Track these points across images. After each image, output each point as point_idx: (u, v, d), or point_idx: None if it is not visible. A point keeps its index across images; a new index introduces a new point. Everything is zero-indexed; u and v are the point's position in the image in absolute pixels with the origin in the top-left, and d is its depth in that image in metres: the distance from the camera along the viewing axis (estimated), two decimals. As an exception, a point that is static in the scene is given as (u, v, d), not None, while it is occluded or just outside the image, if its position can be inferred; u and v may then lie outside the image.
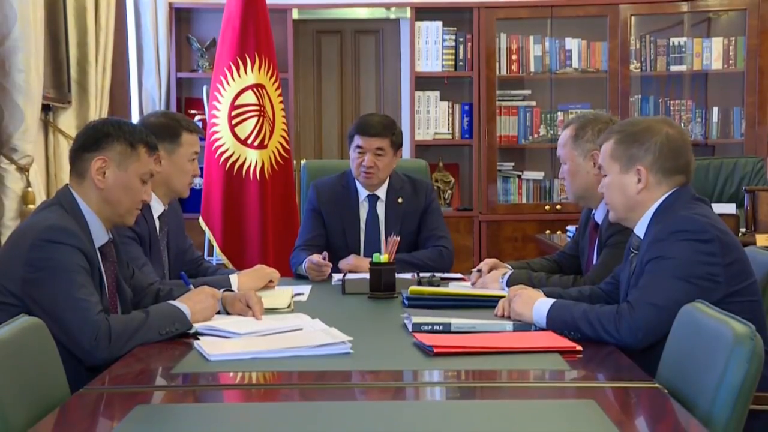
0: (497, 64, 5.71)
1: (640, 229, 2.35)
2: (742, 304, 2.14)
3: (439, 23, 5.71)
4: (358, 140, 3.44)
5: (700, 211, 2.23)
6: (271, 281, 2.98)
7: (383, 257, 2.86)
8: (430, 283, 2.85)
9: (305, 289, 2.99)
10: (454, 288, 2.89)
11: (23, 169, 3.31)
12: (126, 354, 2.10)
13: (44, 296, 2.11)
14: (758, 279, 2.29)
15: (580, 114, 3.13)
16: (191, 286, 2.58)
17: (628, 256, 2.42)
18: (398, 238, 2.94)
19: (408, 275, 3.02)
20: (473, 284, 2.93)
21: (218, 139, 4.48)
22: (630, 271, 2.35)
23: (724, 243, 2.17)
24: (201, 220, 4.51)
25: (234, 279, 2.89)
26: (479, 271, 2.97)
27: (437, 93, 5.77)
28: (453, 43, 5.73)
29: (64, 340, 2.04)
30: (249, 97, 4.50)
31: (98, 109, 4.07)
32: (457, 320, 2.24)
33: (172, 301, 2.31)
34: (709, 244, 2.15)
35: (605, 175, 2.40)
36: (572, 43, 5.75)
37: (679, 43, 5.70)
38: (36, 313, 1.99)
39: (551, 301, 2.30)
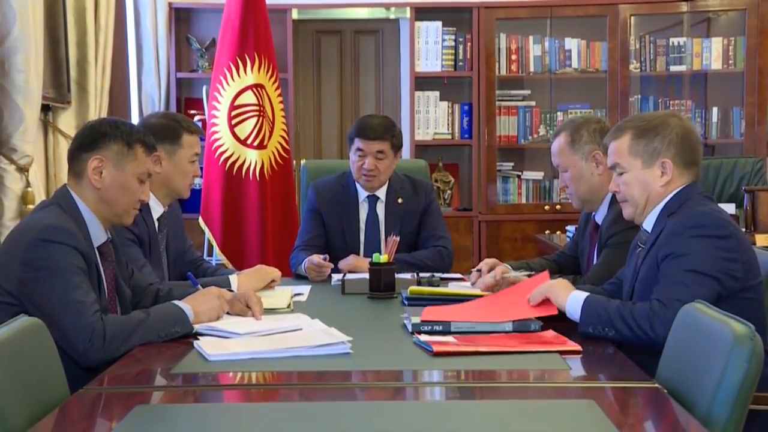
0: (497, 64, 5.71)
1: (648, 224, 2.34)
2: (751, 301, 2.16)
3: (439, 23, 5.71)
4: (358, 143, 3.43)
5: (714, 207, 2.25)
6: (273, 281, 2.98)
7: (383, 257, 2.86)
8: (430, 284, 2.85)
9: (305, 289, 2.99)
10: (453, 288, 2.89)
11: (23, 169, 3.31)
12: (124, 355, 2.10)
13: (40, 296, 2.11)
14: (762, 280, 2.29)
15: (567, 120, 3.13)
16: (199, 286, 2.57)
17: (635, 250, 2.40)
18: (398, 238, 2.94)
19: (408, 275, 3.02)
20: (473, 284, 2.93)
21: (218, 140, 4.48)
22: (636, 265, 2.34)
23: (741, 239, 2.19)
24: (200, 220, 4.51)
25: (234, 279, 2.89)
26: (479, 271, 2.96)
27: (437, 93, 5.77)
28: (453, 43, 5.73)
29: (59, 340, 2.02)
30: (248, 98, 4.50)
31: (98, 109, 4.07)
32: (456, 320, 2.24)
33: (176, 302, 2.30)
34: (728, 240, 2.15)
35: (621, 173, 2.37)
36: (572, 43, 5.76)
37: (678, 43, 5.71)
38: (33, 313, 1.99)
39: (585, 294, 2.26)
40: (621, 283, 2.49)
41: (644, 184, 2.32)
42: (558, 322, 2.27)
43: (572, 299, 2.24)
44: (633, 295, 2.33)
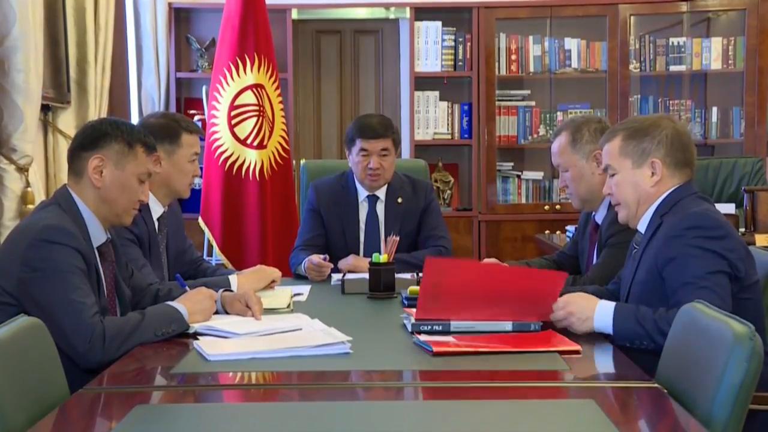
0: (497, 64, 5.71)
1: (642, 226, 2.35)
2: (749, 301, 2.16)
3: (439, 23, 5.71)
4: (361, 144, 3.42)
5: (708, 208, 2.25)
6: (273, 281, 2.98)
7: (383, 257, 2.86)
8: (430, 283, 2.85)
9: (304, 289, 2.99)
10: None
11: (22, 169, 3.31)
12: (123, 355, 2.10)
13: (40, 297, 2.11)
14: (758, 279, 2.29)
15: (567, 120, 3.13)
16: (187, 287, 2.58)
17: (632, 252, 2.41)
18: (398, 238, 2.94)
19: (407, 275, 3.02)
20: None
21: (218, 140, 4.48)
22: (632, 267, 2.34)
23: (736, 239, 2.20)
24: (200, 220, 4.51)
25: (234, 279, 2.89)
26: (479, 271, 2.96)
27: (437, 93, 5.77)
28: (452, 43, 5.73)
29: (59, 341, 2.02)
30: (248, 97, 4.50)
31: (97, 109, 4.07)
32: (456, 320, 2.24)
33: (170, 302, 2.31)
34: (726, 240, 2.16)
35: (612, 175, 2.39)
36: (572, 43, 5.76)
37: (678, 43, 5.71)
38: (32, 314, 1.98)
39: (612, 305, 2.20)
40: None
41: (635, 185, 2.34)
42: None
43: (600, 314, 2.19)
44: (629, 297, 2.33)
